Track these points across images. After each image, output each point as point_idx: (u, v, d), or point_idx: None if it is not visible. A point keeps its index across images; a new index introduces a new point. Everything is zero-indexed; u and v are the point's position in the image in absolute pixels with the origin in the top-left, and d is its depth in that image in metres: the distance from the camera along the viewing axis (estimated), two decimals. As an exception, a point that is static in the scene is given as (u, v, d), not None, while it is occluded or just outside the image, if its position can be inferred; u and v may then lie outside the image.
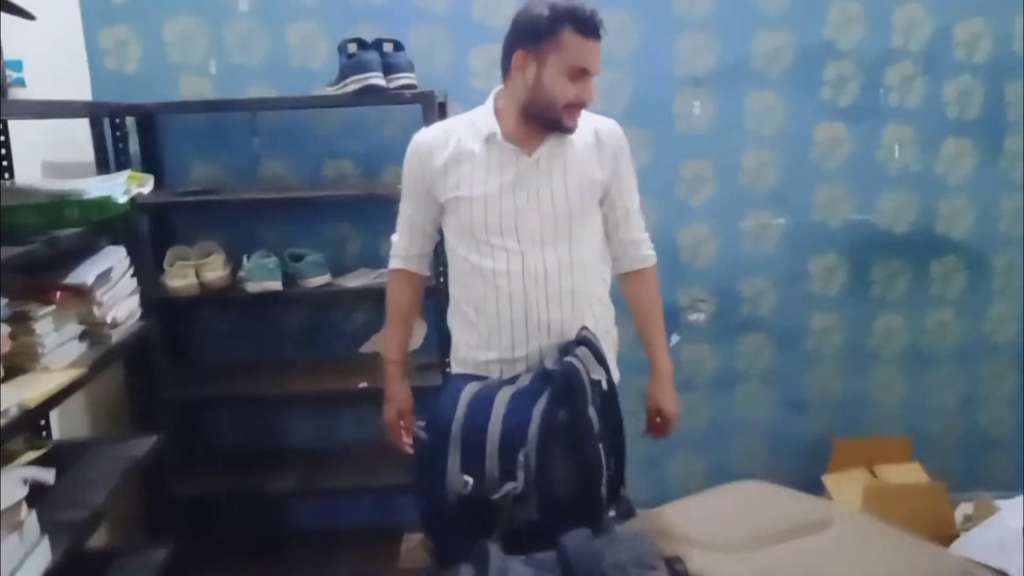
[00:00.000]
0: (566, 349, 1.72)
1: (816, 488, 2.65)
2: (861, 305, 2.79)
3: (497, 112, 1.80)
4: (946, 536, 2.33)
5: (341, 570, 2.60)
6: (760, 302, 2.80)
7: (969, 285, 2.78)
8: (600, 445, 1.61)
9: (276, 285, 2.40)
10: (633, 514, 1.76)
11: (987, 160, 2.70)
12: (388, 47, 2.36)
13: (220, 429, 2.81)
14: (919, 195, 2.72)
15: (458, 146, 1.79)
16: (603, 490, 1.63)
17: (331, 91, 2.37)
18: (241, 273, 2.43)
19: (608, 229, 1.90)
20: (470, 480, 1.56)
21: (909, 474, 2.68)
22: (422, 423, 1.71)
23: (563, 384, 1.59)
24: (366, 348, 2.77)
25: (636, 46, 2.61)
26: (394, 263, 1.99)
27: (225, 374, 2.64)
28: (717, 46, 2.61)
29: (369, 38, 2.37)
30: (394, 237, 1.98)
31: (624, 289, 1.98)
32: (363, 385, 2.50)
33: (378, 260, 2.68)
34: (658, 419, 1.93)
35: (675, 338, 2.79)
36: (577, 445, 1.58)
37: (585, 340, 1.72)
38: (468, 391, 1.68)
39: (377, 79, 2.28)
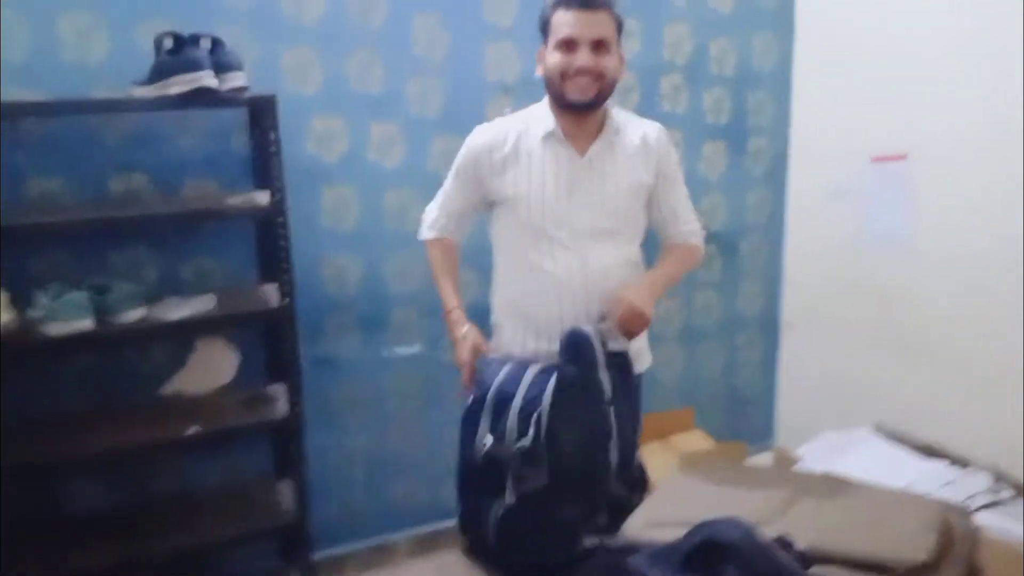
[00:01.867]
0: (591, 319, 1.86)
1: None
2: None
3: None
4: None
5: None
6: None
7: (725, 268, 3.21)
8: (611, 409, 1.75)
9: (87, 324, 1.99)
10: (646, 483, 1.92)
11: (735, 160, 3.13)
12: (207, 43, 2.08)
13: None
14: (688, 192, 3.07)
15: (516, 144, 1.91)
16: (611, 455, 1.75)
17: (146, 92, 2.02)
18: (35, 313, 1.98)
19: (657, 226, 2.06)
20: (491, 438, 1.75)
21: (697, 440, 3.03)
22: (473, 389, 1.86)
23: (569, 344, 1.74)
24: (168, 389, 2.42)
25: (447, 51, 2.60)
26: (430, 234, 2.08)
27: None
28: (523, 54, 2.70)
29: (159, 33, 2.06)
30: (431, 208, 2.10)
31: (662, 249, 2.09)
32: (195, 429, 2.19)
33: (181, 287, 2.37)
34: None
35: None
36: (586, 405, 1.72)
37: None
38: (507, 367, 1.85)
39: (209, 79, 1.99)
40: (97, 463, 2.27)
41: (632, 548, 1.34)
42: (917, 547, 1.27)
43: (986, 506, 2.31)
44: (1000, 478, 2.42)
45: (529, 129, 1.92)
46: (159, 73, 2.00)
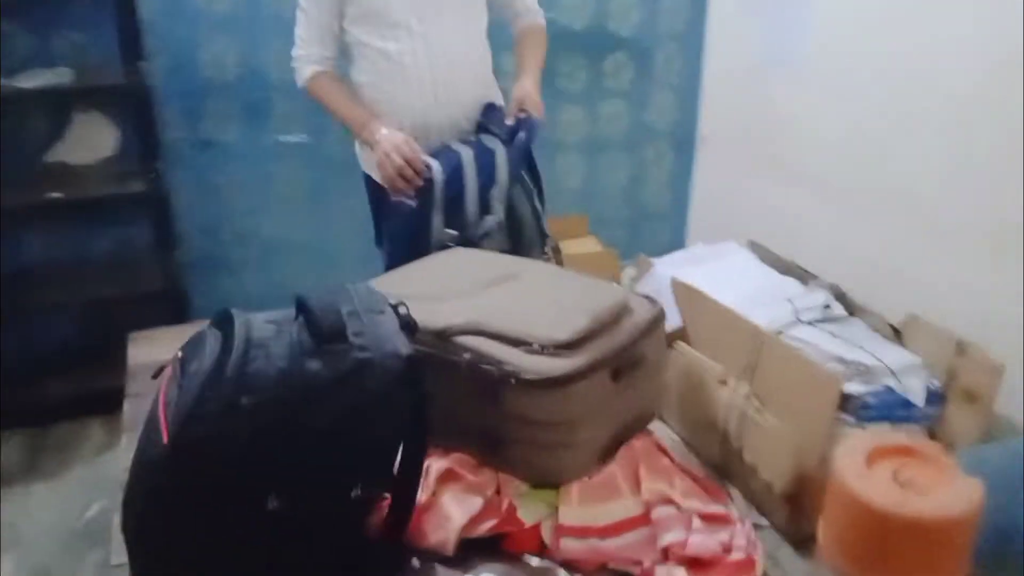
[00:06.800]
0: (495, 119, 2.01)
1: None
2: (548, 98, 3.04)
3: None
4: (616, 292, 2.80)
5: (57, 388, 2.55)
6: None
7: (636, 78, 3.14)
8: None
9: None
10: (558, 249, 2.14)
11: (650, -39, 3.00)
12: None
13: None
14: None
15: None
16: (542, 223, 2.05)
17: None
18: None
19: (502, 5, 2.10)
20: (455, 232, 1.89)
21: (586, 246, 3.11)
22: (409, 193, 1.90)
23: (524, 144, 1.96)
24: (51, 157, 2.56)
25: None
26: (307, 71, 1.99)
27: None
28: None
29: None
30: (297, 49, 1.99)
31: (517, 44, 2.15)
32: (56, 195, 2.35)
33: (50, 58, 2.44)
34: (522, 111, 2.01)
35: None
36: (527, 190, 2.03)
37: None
38: (436, 163, 1.90)
39: None
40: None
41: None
42: (561, 327, 1.36)
43: (815, 322, 2.38)
44: (840, 298, 2.47)
45: None
46: None
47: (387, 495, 1.25)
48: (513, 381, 1.32)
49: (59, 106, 2.50)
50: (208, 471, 1.07)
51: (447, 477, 1.36)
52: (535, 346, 1.35)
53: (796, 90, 2.69)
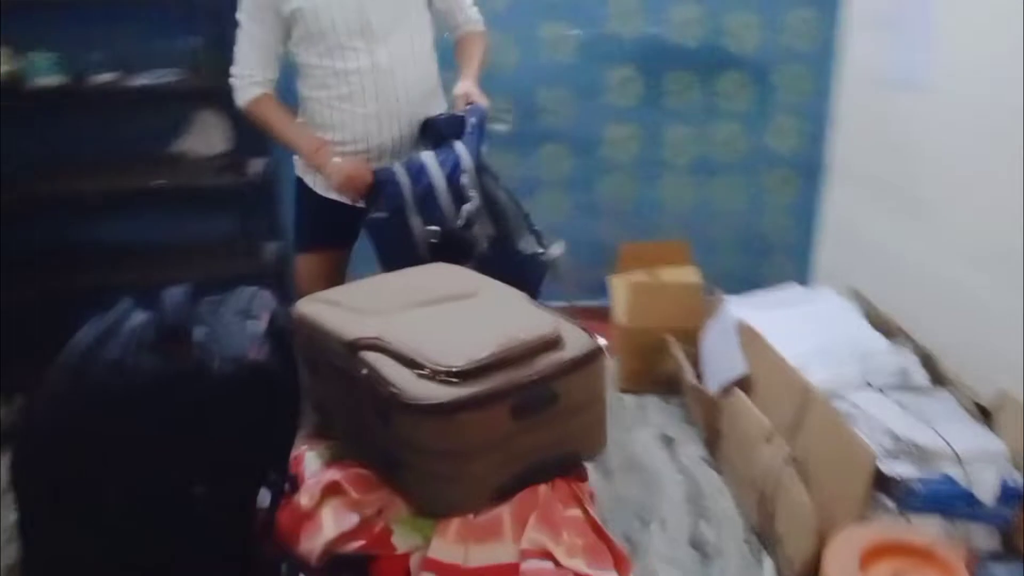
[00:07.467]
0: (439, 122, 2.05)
1: (601, 287, 2.91)
2: (654, 116, 2.92)
3: None
4: (695, 327, 2.61)
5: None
6: (559, 112, 2.90)
7: (754, 99, 2.91)
8: None
9: (55, 80, 2.42)
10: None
11: (776, -26, 2.77)
12: None
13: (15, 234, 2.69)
14: (707, 8, 2.79)
15: None
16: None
17: None
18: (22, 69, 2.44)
19: (443, 17, 2.15)
20: (436, 228, 1.91)
21: (684, 275, 2.90)
22: (376, 209, 1.94)
23: (476, 128, 1.99)
24: (176, 148, 2.82)
25: None
26: (251, 92, 1.99)
27: (16, 177, 2.59)
28: None
29: None
30: (237, 70, 1.99)
31: (457, 48, 2.20)
32: (161, 182, 2.59)
33: (171, 60, 2.67)
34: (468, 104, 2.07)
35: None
36: (495, 176, 2.03)
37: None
38: (399, 169, 1.94)
39: None
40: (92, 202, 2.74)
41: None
42: (461, 354, 1.29)
43: (888, 388, 2.09)
44: (927, 364, 2.14)
45: None
46: None
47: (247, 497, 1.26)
48: (396, 403, 1.28)
49: (180, 103, 2.75)
50: (48, 452, 1.13)
51: (332, 489, 1.35)
52: (427, 370, 1.29)
53: (931, 119, 2.35)
